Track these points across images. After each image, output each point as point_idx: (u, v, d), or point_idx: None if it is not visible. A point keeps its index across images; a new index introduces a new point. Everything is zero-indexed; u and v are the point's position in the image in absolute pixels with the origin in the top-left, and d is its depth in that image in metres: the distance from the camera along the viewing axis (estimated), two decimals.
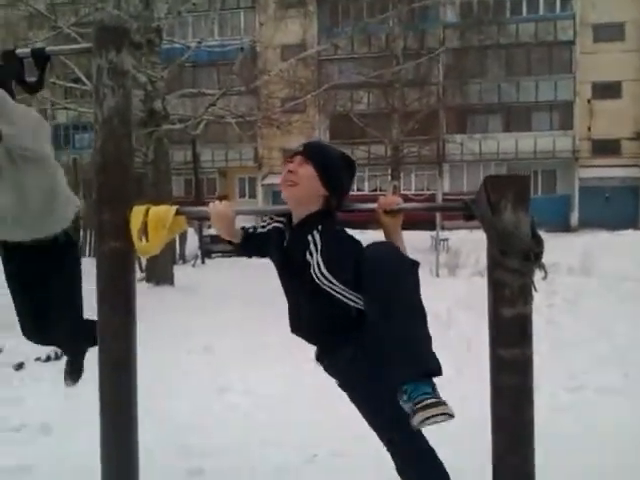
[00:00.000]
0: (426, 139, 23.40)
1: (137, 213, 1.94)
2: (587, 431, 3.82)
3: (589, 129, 28.35)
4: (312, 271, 1.88)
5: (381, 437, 2.02)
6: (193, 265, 14.20)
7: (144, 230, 1.93)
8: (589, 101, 28.23)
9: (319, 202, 1.98)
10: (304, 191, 1.96)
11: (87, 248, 11.71)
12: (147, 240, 1.93)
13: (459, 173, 28.70)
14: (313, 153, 1.99)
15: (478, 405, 2.88)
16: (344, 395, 2.10)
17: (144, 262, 10.85)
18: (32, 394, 4.53)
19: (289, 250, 2.02)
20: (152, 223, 1.92)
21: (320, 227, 1.94)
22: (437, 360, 1.72)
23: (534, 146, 28.32)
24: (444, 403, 1.63)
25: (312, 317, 2.01)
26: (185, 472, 3.24)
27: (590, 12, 27.01)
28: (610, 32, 27.51)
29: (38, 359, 5.34)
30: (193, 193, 18.98)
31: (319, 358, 2.12)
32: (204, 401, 4.54)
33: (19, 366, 5.17)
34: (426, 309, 1.79)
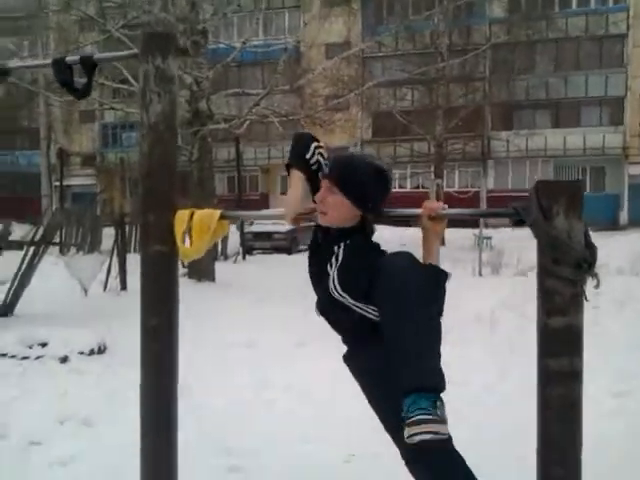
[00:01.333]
0: (471, 136, 23.05)
1: (181, 217, 1.95)
2: (636, 438, 3.70)
3: None
4: (329, 282, 1.92)
5: (396, 442, 1.99)
6: (234, 261, 14.33)
7: (188, 234, 1.94)
8: None
9: (355, 220, 1.96)
10: (336, 218, 1.94)
11: (132, 244, 11.97)
12: (191, 244, 1.94)
13: (504, 170, 28.21)
14: (339, 178, 1.90)
15: (519, 412, 2.83)
16: None
17: None
18: (76, 387, 4.62)
19: (319, 251, 2.03)
20: (196, 227, 1.93)
21: (348, 241, 1.94)
22: (440, 376, 1.71)
23: (583, 142, 27.63)
24: (438, 421, 1.62)
25: (334, 321, 2.05)
26: (224, 469, 3.26)
27: None
28: None
29: (82, 353, 5.46)
30: (236, 190, 19.15)
31: (346, 358, 2.14)
32: (245, 397, 4.57)
33: (63, 360, 5.29)
34: (441, 323, 1.81)
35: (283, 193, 30.55)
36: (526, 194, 1.73)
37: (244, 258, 15.09)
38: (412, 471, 1.96)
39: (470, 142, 23.21)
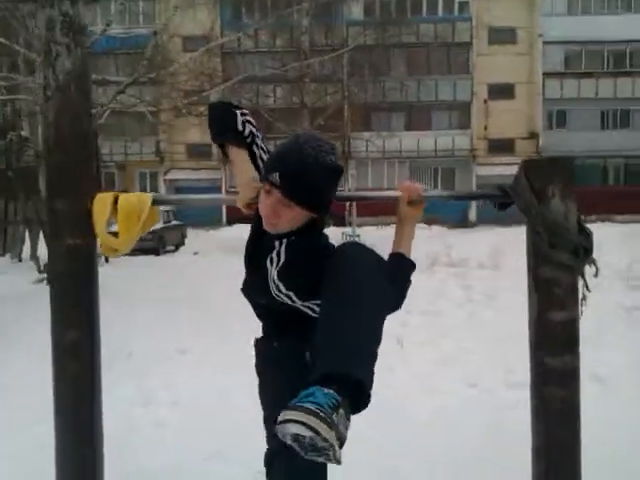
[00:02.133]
0: (334, 136, 23.42)
1: (102, 202, 1.55)
2: None
3: (485, 128, 29.62)
4: (269, 280, 1.62)
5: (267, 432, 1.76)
6: (100, 265, 13.28)
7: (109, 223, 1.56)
8: (485, 101, 29.49)
9: (305, 222, 1.65)
10: (289, 225, 1.63)
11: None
12: (116, 236, 1.56)
13: (364, 170, 29.07)
14: (294, 192, 1.55)
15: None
16: None
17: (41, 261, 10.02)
18: None
19: (259, 241, 1.73)
20: (123, 214, 1.54)
21: (292, 238, 1.65)
22: (366, 380, 1.38)
23: (434, 144, 29.21)
24: (325, 421, 1.25)
25: (263, 307, 1.78)
26: None
27: (485, 16, 28.22)
28: (503, 36, 28.93)
29: None
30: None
31: (259, 343, 1.88)
32: (133, 414, 4.11)
33: None
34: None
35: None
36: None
37: (107, 261, 14.08)
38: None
39: (333, 142, 23.56)
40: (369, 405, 1.38)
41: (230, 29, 23.30)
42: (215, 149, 29.99)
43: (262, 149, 1.79)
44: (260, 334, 1.87)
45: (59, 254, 1.56)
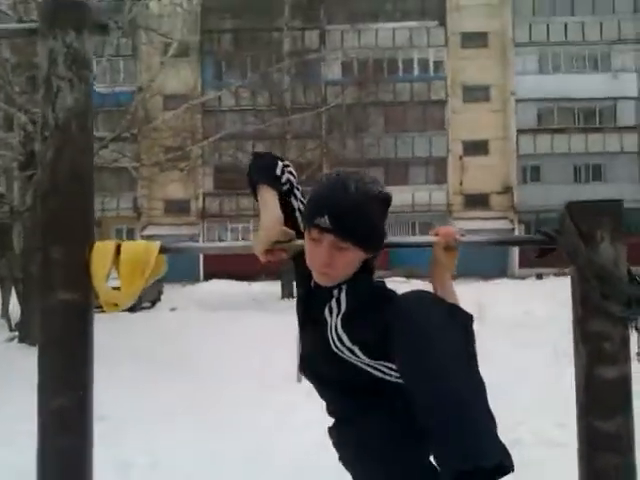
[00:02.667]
0: None
1: (103, 251, 1.39)
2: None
3: (461, 183, 30.09)
4: (329, 332, 1.43)
5: None
6: None
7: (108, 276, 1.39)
8: (460, 157, 30.08)
9: (359, 266, 1.50)
10: (344, 272, 1.46)
11: None
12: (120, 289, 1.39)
13: None
14: (351, 232, 1.40)
15: None
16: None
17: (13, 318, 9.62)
18: None
19: (311, 297, 1.54)
20: (127, 265, 1.38)
21: (352, 282, 1.48)
22: (501, 449, 1.20)
23: (412, 199, 29.50)
24: None
25: (327, 382, 1.53)
26: None
27: (460, 74, 29.14)
28: (477, 94, 29.80)
29: None
30: None
31: (332, 431, 1.60)
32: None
33: None
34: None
35: None
36: None
37: None
38: None
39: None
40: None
41: (211, 87, 23.66)
42: (194, 205, 30.04)
43: (301, 201, 1.63)
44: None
45: (52, 310, 1.38)
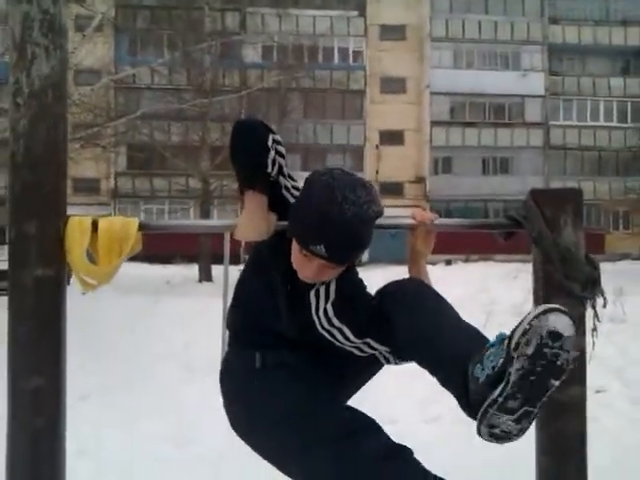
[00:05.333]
0: (232, 174, 23.34)
1: (79, 227, 1.34)
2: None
3: (377, 172, 30.69)
4: (314, 314, 1.51)
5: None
6: None
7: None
8: (377, 146, 30.66)
9: None
10: (332, 277, 1.52)
11: None
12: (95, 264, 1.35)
13: None
14: (344, 257, 1.46)
15: None
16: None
17: None
18: None
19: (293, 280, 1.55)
20: (105, 242, 1.34)
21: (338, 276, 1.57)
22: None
23: None
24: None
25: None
26: None
27: (378, 65, 29.63)
28: (394, 85, 30.45)
29: None
30: None
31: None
32: None
33: None
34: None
35: None
36: None
37: None
38: None
39: (231, 180, 23.48)
40: None
41: (125, 64, 22.78)
42: (105, 184, 28.94)
43: (289, 177, 1.61)
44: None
45: (25, 286, 1.33)
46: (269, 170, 1.48)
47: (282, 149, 1.54)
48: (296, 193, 1.57)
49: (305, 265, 1.44)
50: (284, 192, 1.58)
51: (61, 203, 1.38)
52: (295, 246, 1.45)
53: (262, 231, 1.48)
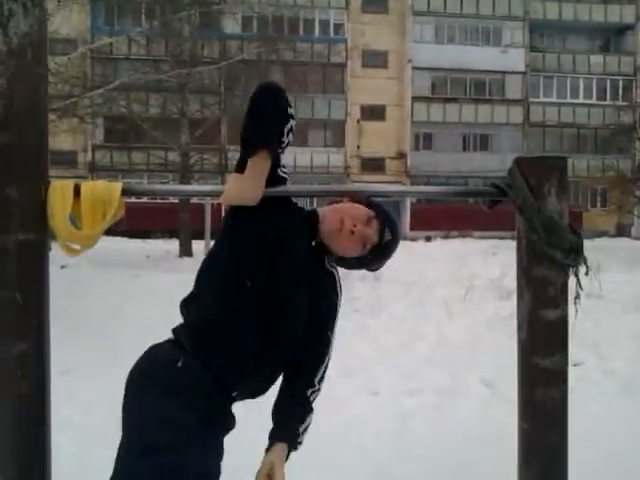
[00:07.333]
0: (212, 148, 23.10)
1: (61, 191, 1.31)
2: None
3: (358, 147, 30.62)
4: (327, 319, 1.73)
5: None
6: None
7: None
8: (358, 121, 30.52)
9: None
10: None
11: None
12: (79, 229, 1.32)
13: None
14: (389, 255, 1.75)
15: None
16: None
17: None
18: None
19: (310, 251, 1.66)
20: (87, 206, 1.31)
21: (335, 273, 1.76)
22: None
23: (310, 161, 29.68)
24: None
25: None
26: None
27: (359, 39, 29.33)
28: (376, 59, 30.22)
29: None
30: None
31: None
32: None
33: None
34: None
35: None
36: None
37: None
38: None
39: (211, 154, 23.26)
40: None
41: (102, 34, 22.29)
42: (82, 157, 28.50)
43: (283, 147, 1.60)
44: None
45: (7, 251, 1.30)
46: (283, 139, 1.51)
47: (294, 124, 1.56)
48: (285, 173, 1.61)
49: (350, 238, 1.63)
50: (278, 170, 1.59)
51: (42, 167, 1.35)
52: (347, 224, 1.61)
53: (258, 196, 1.49)
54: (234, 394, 1.57)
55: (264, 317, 1.54)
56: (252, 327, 1.52)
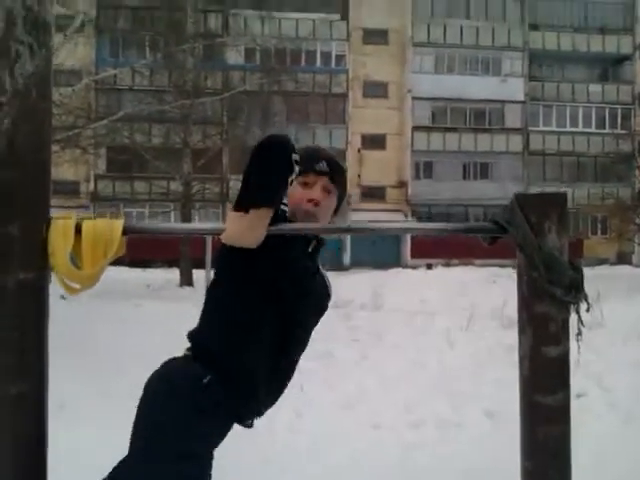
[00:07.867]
0: (214, 177, 23.26)
1: (63, 229, 1.32)
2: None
3: (359, 176, 30.78)
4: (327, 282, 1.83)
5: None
6: None
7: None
8: (359, 150, 30.76)
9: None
10: (324, 218, 1.79)
11: None
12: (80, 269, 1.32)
13: None
14: (337, 174, 1.80)
15: None
16: None
17: None
18: None
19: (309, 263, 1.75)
20: (89, 245, 1.32)
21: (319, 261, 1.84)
22: None
23: None
24: None
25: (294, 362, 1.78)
26: None
27: (360, 69, 29.74)
28: (376, 90, 30.60)
29: None
30: None
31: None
32: None
33: None
34: None
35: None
36: None
37: None
38: None
39: (214, 184, 23.39)
40: None
41: (106, 65, 22.60)
42: (85, 187, 28.65)
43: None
44: None
45: (7, 290, 1.30)
46: (288, 187, 1.58)
47: (298, 168, 1.59)
48: (285, 205, 1.67)
49: (306, 194, 1.70)
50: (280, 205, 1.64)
51: (45, 205, 1.36)
52: (296, 186, 1.66)
53: (259, 240, 1.51)
54: (263, 410, 1.73)
55: (279, 340, 1.66)
56: (267, 352, 1.63)
